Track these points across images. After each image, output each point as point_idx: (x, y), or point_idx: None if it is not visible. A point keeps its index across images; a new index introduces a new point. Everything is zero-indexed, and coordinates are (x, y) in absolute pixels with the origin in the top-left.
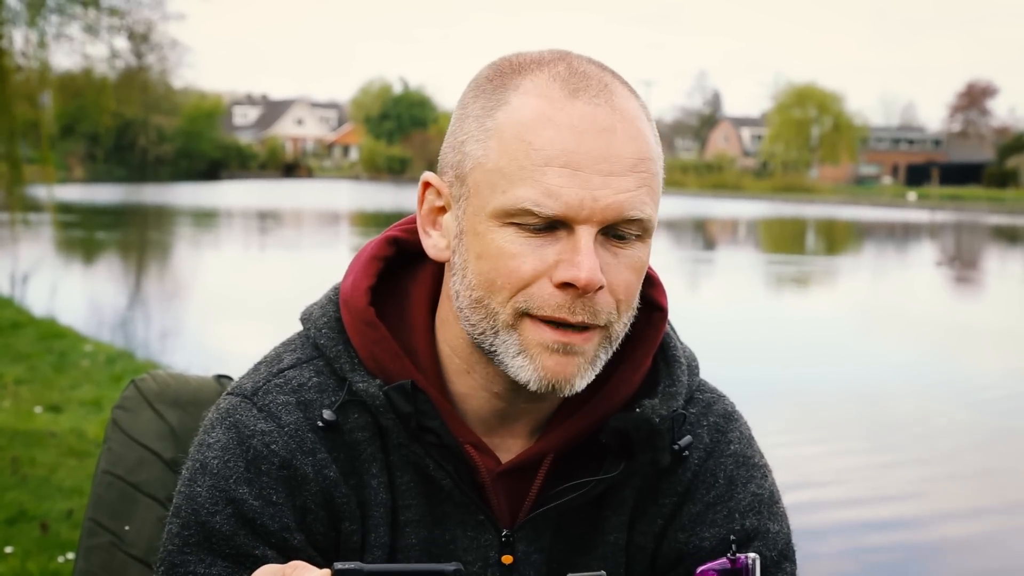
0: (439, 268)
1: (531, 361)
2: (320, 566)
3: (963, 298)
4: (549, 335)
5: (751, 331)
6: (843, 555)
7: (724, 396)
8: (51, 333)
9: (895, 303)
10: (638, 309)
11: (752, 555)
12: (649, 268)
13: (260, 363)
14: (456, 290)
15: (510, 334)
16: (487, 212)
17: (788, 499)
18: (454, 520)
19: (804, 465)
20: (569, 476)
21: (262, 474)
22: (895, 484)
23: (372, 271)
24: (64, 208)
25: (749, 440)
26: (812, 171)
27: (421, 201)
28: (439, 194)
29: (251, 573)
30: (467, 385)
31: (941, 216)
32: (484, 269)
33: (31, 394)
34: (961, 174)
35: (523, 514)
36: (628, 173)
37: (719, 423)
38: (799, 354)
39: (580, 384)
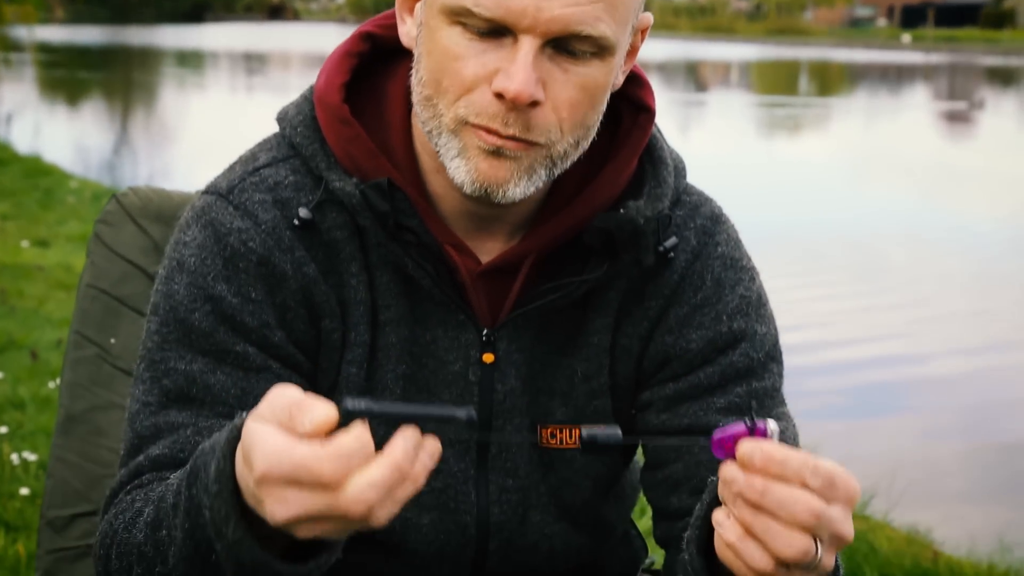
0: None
1: (466, 163)
2: (301, 364)
3: (956, 141)
4: (484, 136)
5: (742, 175)
6: (832, 392)
7: (711, 199)
8: (36, 170)
9: (888, 146)
10: (624, 109)
11: (772, 424)
12: (636, 67)
13: (235, 162)
14: (413, 84)
15: (452, 138)
16: (437, 7)
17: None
18: (435, 320)
19: (794, 308)
20: (552, 278)
21: (240, 271)
22: (885, 325)
23: (345, 67)
24: (45, 48)
25: (737, 242)
26: (806, 13)
27: None
28: None
29: (232, 369)
30: (441, 184)
31: (936, 58)
32: (432, 67)
33: (17, 229)
34: (957, 15)
35: (504, 314)
36: None
37: (706, 225)
38: (791, 198)
39: (514, 192)
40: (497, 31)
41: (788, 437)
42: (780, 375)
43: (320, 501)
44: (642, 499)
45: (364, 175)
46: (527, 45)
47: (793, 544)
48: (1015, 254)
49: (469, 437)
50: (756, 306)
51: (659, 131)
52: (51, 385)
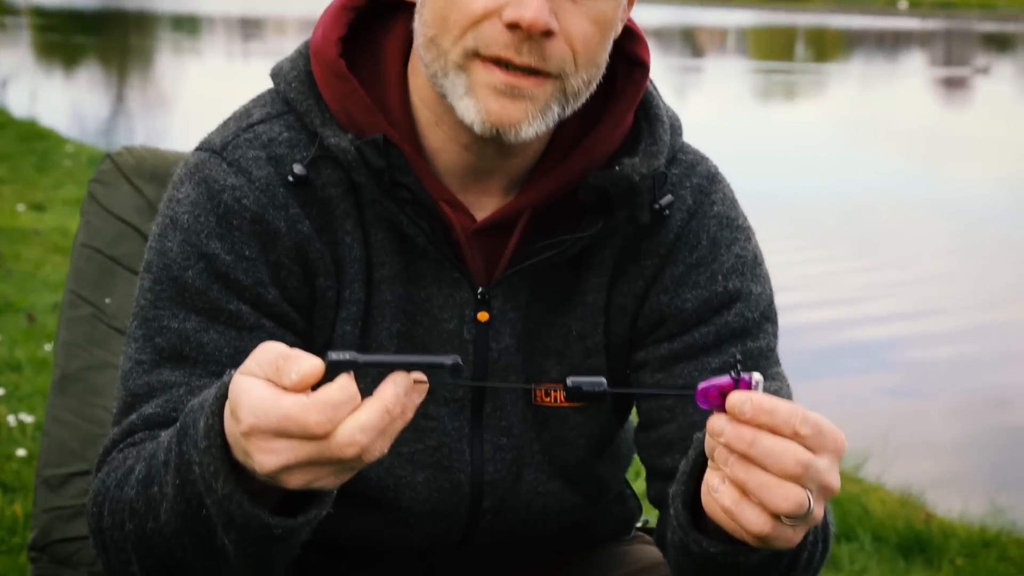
0: (413, 20)
1: (476, 102)
2: (295, 322)
3: (951, 108)
4: (497, 75)
5: (738, 141)
6: (826, 356)
7: (707, 158)
8: (32, 134)
9: (883, 113)
10: (619, 64)
11: (757, 375)
12: (632, 22)
13: (229, 119)
14: (415, 28)
15: (459, 75)
16: None
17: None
18: (430, 278)
19: (789, 274)
20: (547, 235)
21: (234, 229)
22: (879, 293)
23: (342, 21)
24: (41, 12)
25: (733, 202)
26: None
27: None
28: None
29: (225, 328)
30: (438, 138)
31: (932, 24)
32: (438, 5)
33: (13, 193)
34: None
35: (499, 272)
36: None
37: (702, 184)
38: (786, 165)
39: (527, 131)
40: None
41: (782, 397)
42: (775, 335)
43: (310, 448)
44: (638, 461)
45: (360, 131)
46: None
47: (789, 496)
48: (1010, 221)
49: (461, 383)
50: (752, 265)
51: (655, 88)
52: (47, 347)
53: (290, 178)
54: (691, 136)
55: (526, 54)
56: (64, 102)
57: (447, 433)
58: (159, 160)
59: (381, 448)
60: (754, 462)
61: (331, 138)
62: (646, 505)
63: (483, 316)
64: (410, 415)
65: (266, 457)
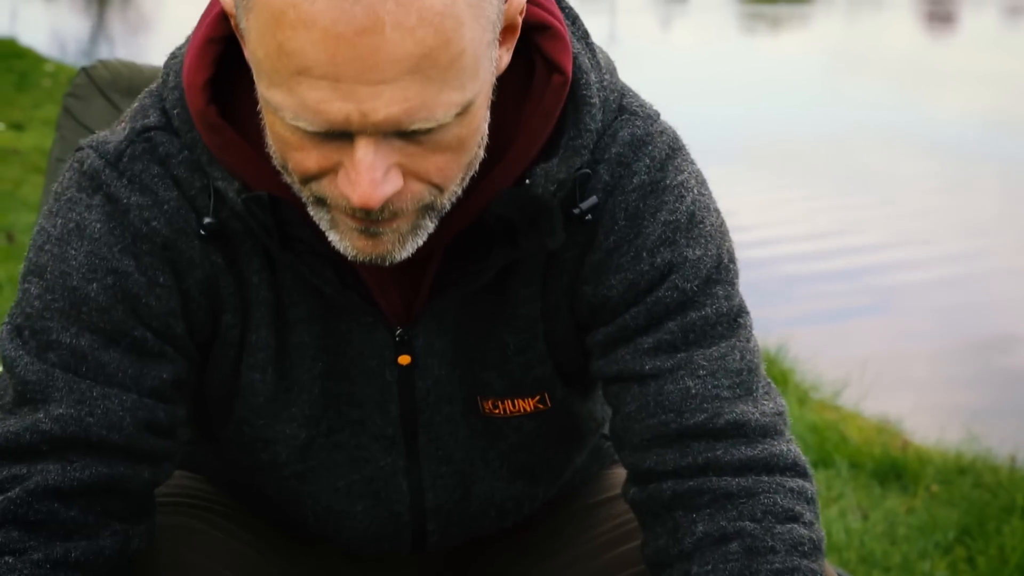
0: None
1: (341, 238)
2: (193, 356)
3: (936, 39)
4: (351, 222)
5: (722, 73)
6: (809, 295)
7: (639, 114)
8: (11, 53)
9: (868, 45)
10: (537, 61)
11: None
12: (546, 18)
13: (125, 113)
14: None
15: (317, 208)
16: (261, 94)
17: (754, 251)
18: (347, 313)
19: (772, 212)
20: (466, 258)
21: (145, 253)
22: (862, 229)
23: (208, 60)
24: None
25: (662, 162)
26: None
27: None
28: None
29: (124, 352)
30: None
31: None
32: (275, 147)
33: None
34: None
35: (417, 309)
36: (406, 76)
37: (623, 154)
38: (770, 98)
39: (404, 253)
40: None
41: (730, 364)
42: (727, 295)
43: None
44: None
45: (245, 181)
46: (364, 146)
47: None
48: (993, 153)
49: None
50: (686, 228)
51: (584, 41)
52: None
53: (201, 231)
54: (676, 67)
55: (375, 213)
56: (44, 21)
57: (379, 468)
58: (135, 74)
59: None
60: None
61: (219, 181)
62: None
63: (404, 359)
64: None
65: None
